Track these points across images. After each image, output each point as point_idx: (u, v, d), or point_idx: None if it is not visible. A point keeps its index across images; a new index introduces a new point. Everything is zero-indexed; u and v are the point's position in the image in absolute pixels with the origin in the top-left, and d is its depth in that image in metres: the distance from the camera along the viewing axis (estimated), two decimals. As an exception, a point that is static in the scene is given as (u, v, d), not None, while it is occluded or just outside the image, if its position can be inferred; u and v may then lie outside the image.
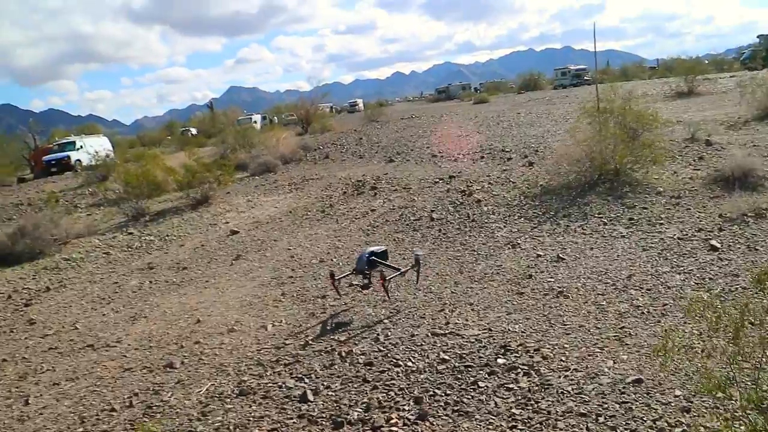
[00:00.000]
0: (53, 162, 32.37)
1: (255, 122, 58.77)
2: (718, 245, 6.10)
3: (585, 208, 8.16)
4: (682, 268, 5.67)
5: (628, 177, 8.98)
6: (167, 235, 10.79)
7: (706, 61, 62.36)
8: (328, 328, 5.45)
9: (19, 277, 9.28)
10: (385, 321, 5.39)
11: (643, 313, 4.82)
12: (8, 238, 10.44)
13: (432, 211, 9.42)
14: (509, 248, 7.08)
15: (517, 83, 79.95)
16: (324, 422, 3.84)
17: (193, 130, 67.10)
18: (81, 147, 33.22)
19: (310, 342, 5.16)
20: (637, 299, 5.11)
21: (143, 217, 12.67)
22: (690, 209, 7.53)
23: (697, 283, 5.27)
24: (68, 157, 31.93)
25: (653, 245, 6.44)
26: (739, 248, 5.98)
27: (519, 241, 7.25)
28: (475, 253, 7.10)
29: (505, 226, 8.02)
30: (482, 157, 14.02)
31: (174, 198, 14.08)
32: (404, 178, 12.86)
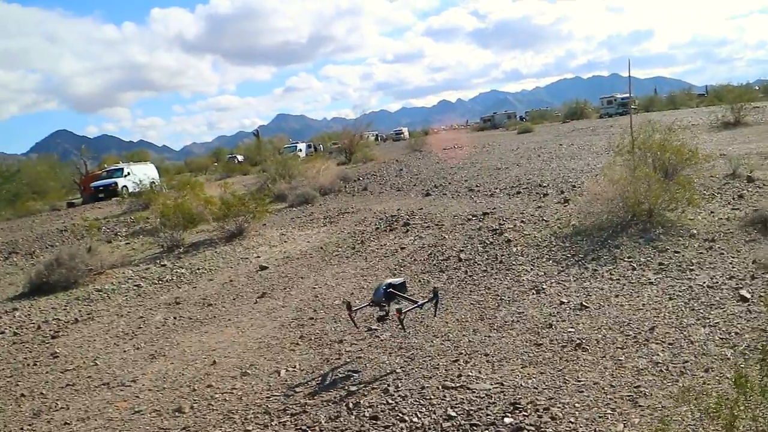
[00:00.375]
0: (101, 188, 33.85)
1: (300, 150, 59.90)
2: (749, 296, 5.79)
3: (615, 251, 7.90)
4: (708, 321, 5.39)
5: (661, 218, 8.68)
6: (198, 269, 10.99)
7: (757, 87, 60.47)
8: (340, 375, 5.39)
9: (51, 307, 9.59)
10: (398, 370, 5.30)
11: (661, 370, 4.59)
12: (45, 268, 10.84)
13: (461, 251, 9.30)
14: (533, 293, 6.90)
15: (562, 112, 79.21)
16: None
17: (240, 157, 68.91)
18: (128, 174, 34.61)
19: (320, 391, 5.11)
20: (657, 354, 4.87)
21: (178, 249, 12.97)
22: (723, 254, 7.19)
23: (722, 338, 4.99)
24: (115, 183, 33.30)
25: (681, 293, 6.16)
26: (774, 300, 5.65)
27: (544, 286, 7.06)
28: (499, 297, 6.94)
29: (531, 269, 7.83)
30: (518, 192, 13.84)
31: (210, 229, 14.37)
32: (438, 213, 12.79)
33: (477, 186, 15.95)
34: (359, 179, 23.34)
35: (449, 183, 17.65)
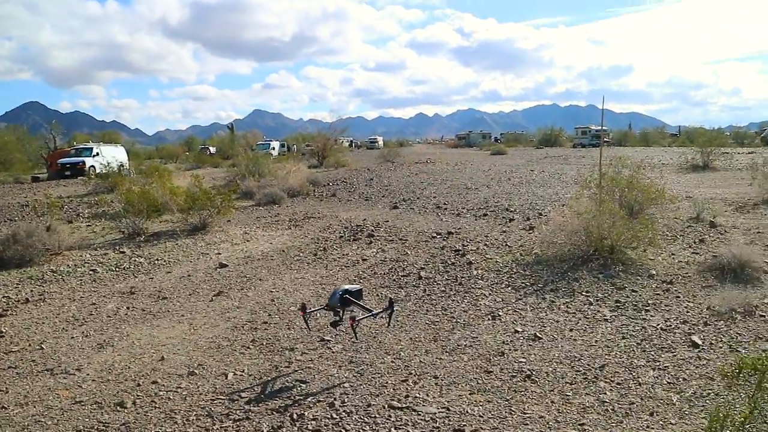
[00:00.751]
0: (68, 165, 33.18)
1: (273, 149, 59.58)
2: (700, 342, 5.92)
3: (574, 283, 8.01)
4: (658, 364, 5.49)
5: (622, 255, 8.83)
6: (157, 260, 10.76)
7: (728, 133, 62.56)
8: (288, 384, 5.31)
9: (3, 284, 9.25)
10: (346, 384, 5.24)
11: (607, 410, 4.64)
12: (1, 244, 10.47)
13: (422, 268, 9.31)
14: (489, 319, 6.93)
15: (537, 137, 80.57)
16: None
17: (212, 149, 68.30)
18: (97, 154, 34.00)
19: (265, 398, 5.03)
20: (605, 393, 4.93)
21: (139, 237, 12.69)
22: (679, 297, 7.35)
23: (670, 383, 5.08)
24: (83, 162, 32.65)
25: (634, 333, 6.26)
26: (721, 348, 5.79)
27: (500, 313, 7.10)
28: (454, 320, 6.95)
29: (490, 294, 7.88)
30: (485, 215, 13.95)
31: (174, 220, 14.12)
32: (404, 227, 12.80)
33: (445, 204, 16.04)
34: (329, 184, 23.26)
35: (418, 198, 17.71)
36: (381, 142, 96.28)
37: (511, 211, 14.18)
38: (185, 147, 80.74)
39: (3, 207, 18.69)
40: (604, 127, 13.80)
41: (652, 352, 5.76)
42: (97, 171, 29.56)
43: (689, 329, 6.31)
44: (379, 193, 19.67)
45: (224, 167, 36.44)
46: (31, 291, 8.87)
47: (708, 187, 18.36)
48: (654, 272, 8.31)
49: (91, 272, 9.94)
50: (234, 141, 65.35)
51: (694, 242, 10.12)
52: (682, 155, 28.65)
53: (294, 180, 20.99)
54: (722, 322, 6.46)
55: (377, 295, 8.12)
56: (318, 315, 6.98)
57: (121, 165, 28.52)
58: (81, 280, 9.52)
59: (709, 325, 6.41)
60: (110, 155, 33.87)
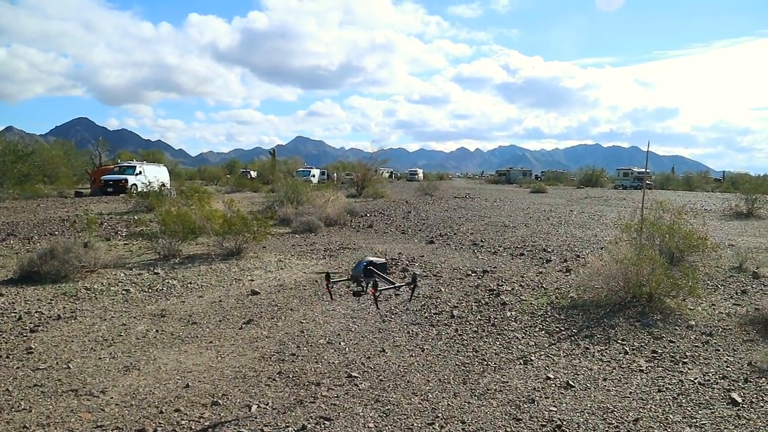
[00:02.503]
0: (111, 182, 34.20)
1: (313, 176, 60.46)
2: (740, 399, 5.62)
3: (610, 331, 7.76)
4: (695, 421, 5.23)
5: (661, 304, 8.53)
6: (190, 283, 10.90)
7: (774, 180, 60.60)
8: (311, 420, 5.24)
9: (37, 298, 9.49)
10: (371, 425, 5.15)
11: (641, 470, 4.42)
12: (38, 257, 10.77)
13: (455, 306, 9.18)
14: (521, 363, 6.75)
15: (578, 176, 79.70)
16: None
17: (253, 173, 69.74)
18: (140, 173, 35.11)
19: (288, 434, 4.96)
20: (640, 451, 4.70)
21: (173, 259, 12.90)
22: (719, 350, 7.04)
23: (709, 445, 4.83)
24: (126, 180, 33.73)
25: (671, 386, 5.99)
26: (762, 407, 5.49)
27: (533, 357, 6.91)
28: (485, 362, 6.79)
29: (523, 337, 7.69)
30: (522, 254, 13.75)
31: (210, 243, 14.32)
32: (439, 263, 12.70)
33: (482, 241, 15.88)
34: (366, 215, 23.34)
35: (455, 234, 17.59)
36: (421, 175, 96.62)
37: (548, 252, 13.94)
38: (227, 170, 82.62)
39: (45, 221, 19.33)
40: (647, 170, 13.52)
41: (689, 408, 5.50)
42: (139, 189, 30.44)
43: (728, 385, 6.02)
44: (416, 226, 19.63)
45: (264, 192, 37.04)
46: (64, 308, 9.06)
47: (752, 235, 17.74)
48: (693, 323, 8.00)
49: (124, 292, 10.12)
50: (275, 166, 66.58)
51: (736, 293, 9.74)
52: (725, 201, 27.87)
53: (332, 209, 21.14)
54: (764, 379, 6.14)
55: (408, 332, 8.02)
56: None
57: (163, 185, 29.35)
58: (114, 299, 9.69)
59: (750, 381, 6.11)
60: (152, 174, 34.86)
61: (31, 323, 8.21)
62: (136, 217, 19.96)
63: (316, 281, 11.18)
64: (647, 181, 58.91)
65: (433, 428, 5.09)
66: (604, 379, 6.23)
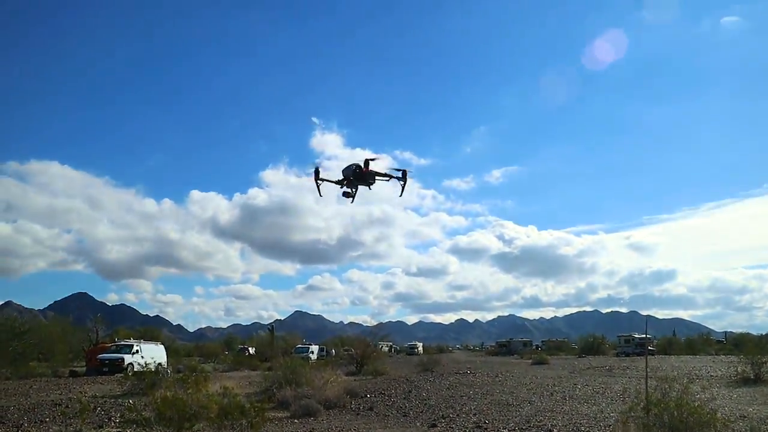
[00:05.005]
0: (107, 362, 33.57)
1: (312, 353, 59.59)
2: None
3: None
4: None
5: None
6: (187, 479, 10.47)
7: (776, 338, 59.95)
8: None
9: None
10: None
11: None
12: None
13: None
14: None
15: (579, 344, 78.67)
16: None
17: (251, 350, 68.42)
18: (137, 352, 34.67)
19: None
20: None
21: (170, 451, 12.44)
22: None
23: None
24: (122, 359, 33.31)
25: None
26: None
27: None
28: None
29: None
30: (526, 435, 13.39)
31: (207, 429, 13.88)
32: (442, 448, 12.31)
33: (485, 422, 15.47)
34: (366, 396, 22.83)
35: (457, 415, 17.15)
36: (420, 348, 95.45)
37: (553, 432, 13.58)
38: (224, 347, 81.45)
39: (36, 405, 18.82)
40: (647, 335, 13.69)
41: None
42: (136, 369, 29.96)
43: None
44: (417, 407, 19.17)
45: (262, 370, 36.35)
46: None
47: (762, 404, 17.39)
48: None
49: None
50: (273, 343, 65.84)
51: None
52: (730, 365, 27.52)
53: (331, 391, 20.73)
54: None
55: None
56: None
57: (159, 365, 28.83)
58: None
59: None
60: (149, 354, 34.46)
61: None
62: (129, 402, 19.49)
63: None
64: (649, 347, 57.91)
65: None
66: None
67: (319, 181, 5.62)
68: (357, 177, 5.52)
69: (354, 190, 5.46)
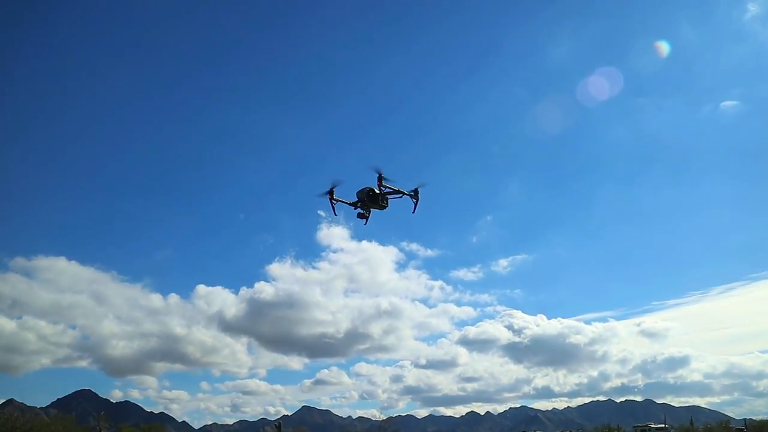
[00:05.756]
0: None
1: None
2: None
3: None
4: None
5: None
6: None
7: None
8: None
9: None
10: None
11: None
12: None
13: None
14: None
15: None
16: None
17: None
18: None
19: None
20: None
21: None
22: None
23: None
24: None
25: None
26: None
27: None
28: None
29: None
30: None
31: None
32: None
33: None
34: None
35: None
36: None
37: None
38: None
39: None
40: (665, 424, 39.34)
41: None
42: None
43: None
44: None
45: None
46: None
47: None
48: None
49: None
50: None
51: None
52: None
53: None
54: None
55: None
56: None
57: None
58: None
59: None
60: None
61: None
62: None
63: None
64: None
65: None
66: None
67: (333, 201, 4.78)
68: (370, 199, 5.15)
69: (368, 212, 4.98)
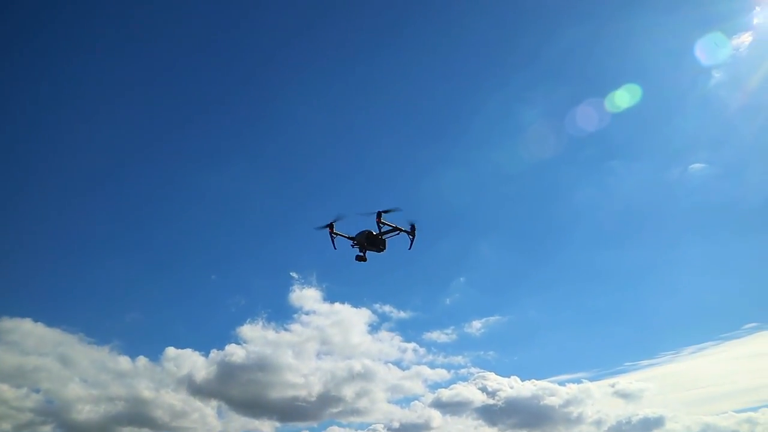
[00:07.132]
0: None
1: None
2: None
3: None
4: None
5: None
6: None
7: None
8: None
9: None
10: None
11: None
12: None
13: None
14: None
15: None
16: None
17: None
18: None
19: None
20: None
21: None
22: None
23: None
24: None
25: None
26: None
27: None
28: None
29: None
30: None
31: None
32: None
33: None
34: None
35: None
36: None
37: None
38: None
39: None
40: None
41: None
42: None
43: None
44: None
45: None
46: None
47: None
48: None
49: None
50: None
51: None
52: None
53: None
54: None
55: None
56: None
57: None
58: None
59: None
60: None
61: None
62: None
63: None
64: None
65: None
66: None
67: (333, 234, 4.74)
68: (369, 242, 4.97)
69: (364, 252, 4.75)
